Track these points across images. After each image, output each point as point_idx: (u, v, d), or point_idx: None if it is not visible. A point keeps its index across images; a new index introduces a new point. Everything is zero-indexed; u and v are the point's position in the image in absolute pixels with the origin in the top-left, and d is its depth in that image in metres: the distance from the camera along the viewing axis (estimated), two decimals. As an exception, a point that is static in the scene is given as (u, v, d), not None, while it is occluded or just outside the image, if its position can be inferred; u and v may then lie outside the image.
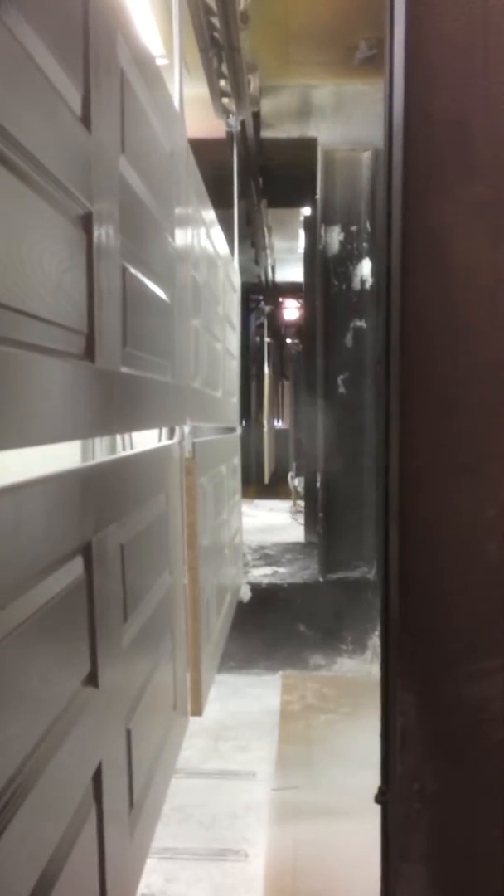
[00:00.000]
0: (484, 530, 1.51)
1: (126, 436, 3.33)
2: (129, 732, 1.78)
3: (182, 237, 2.62)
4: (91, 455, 3.60)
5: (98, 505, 1.55)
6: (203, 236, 3.33)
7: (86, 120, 1.43)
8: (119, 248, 1.68)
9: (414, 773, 1.57)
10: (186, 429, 2.77)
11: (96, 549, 1.51)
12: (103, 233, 1.53)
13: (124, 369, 1.74)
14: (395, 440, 1.56)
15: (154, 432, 2.82)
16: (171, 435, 2.78)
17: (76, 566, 1.41)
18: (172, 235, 2.43)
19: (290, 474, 11.73)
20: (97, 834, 1.51)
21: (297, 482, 10.79)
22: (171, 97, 2.43)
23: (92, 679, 1.49)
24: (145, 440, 2.84)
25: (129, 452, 2.07)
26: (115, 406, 1.66)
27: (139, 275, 1.94)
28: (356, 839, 2.15)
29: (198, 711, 2.87)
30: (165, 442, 2.66)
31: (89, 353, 1.47)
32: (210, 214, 3.61)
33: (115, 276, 1.65)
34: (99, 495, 1.57)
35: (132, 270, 1.85)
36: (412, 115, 1.50)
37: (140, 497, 2.01)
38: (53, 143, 1.25)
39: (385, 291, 1.64)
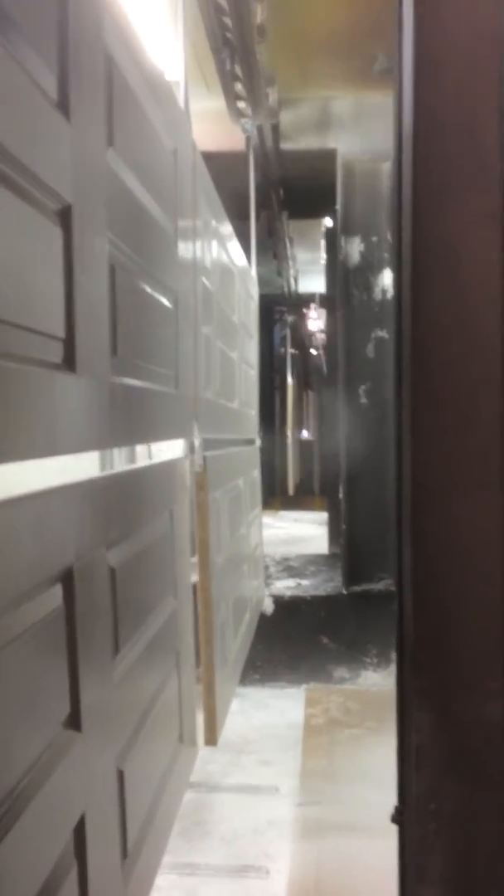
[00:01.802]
0: (499, 546, 1.48)
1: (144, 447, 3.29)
2: (121, 774, 1.63)
3: (188, 241, 2.46)
4: (110, 467, 3.58)
5: (81, 527, 1.42)
6: (214, 241, 3.18)
7: (63, 106, 1.32)
8: (106, 248, 1.55)
9: (430, 793, 1.54)
10: (197, 441, 2.64)
11: (79, 575, 1.37)
12: (85, 230, 1.41)
13: (115, 379, 1.62)
14: (408, 454, 1.53)
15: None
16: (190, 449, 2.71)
17: (53, 596, 1.28)
18: (176, 238, 2.28)
19: None
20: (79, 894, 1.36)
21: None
22: (172, 92, 2.29)
23: (73, 722, 1.35)
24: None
25: (121, 469, 1.99)
26: (106, 419, 1.54)
27: (134, 278, 1.80)
28: (380, 857, 2.10)
29: (213, 741, 2.71)
30: (171, 456, 2.52)
31: (69, 360, 1.35)
32: (223, 218, 3.48)
33: (101, 278, 1.52)
34: (82, 517, 1.44)
35: (125, 273, 1.71)
36: (422, 123, 1.49)
37: (138, 516, 1.88)
38: (20, 128, 1.14)
39: (397, 302, 1.63)
